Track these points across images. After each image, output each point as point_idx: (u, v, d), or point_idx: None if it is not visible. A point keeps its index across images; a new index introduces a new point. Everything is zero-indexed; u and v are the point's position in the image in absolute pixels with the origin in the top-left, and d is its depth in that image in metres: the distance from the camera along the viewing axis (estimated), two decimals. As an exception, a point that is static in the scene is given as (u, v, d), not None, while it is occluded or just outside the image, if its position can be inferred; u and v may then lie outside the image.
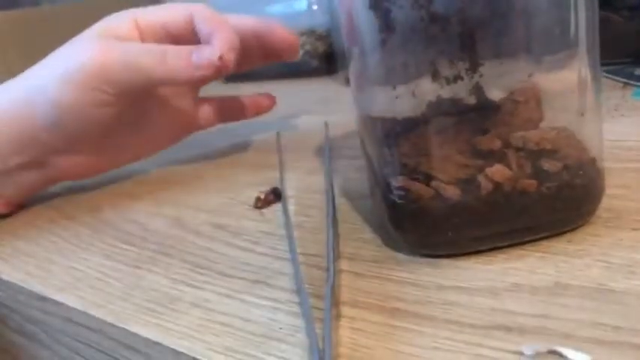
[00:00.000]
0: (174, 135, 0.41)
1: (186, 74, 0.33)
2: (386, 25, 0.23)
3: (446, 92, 0.23)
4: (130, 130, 0.38)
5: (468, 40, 0.23)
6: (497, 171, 0.21)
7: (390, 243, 0.24)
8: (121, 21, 0.36)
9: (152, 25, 0.36)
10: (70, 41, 0.36)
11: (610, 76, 0.41)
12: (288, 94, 0.62)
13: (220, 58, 0.33)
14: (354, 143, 0.31)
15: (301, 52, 0.63)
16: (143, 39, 0.36)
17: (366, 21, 0.23)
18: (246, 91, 0.69)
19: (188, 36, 0.36)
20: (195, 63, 0.33)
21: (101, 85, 0.33)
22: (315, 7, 0.62)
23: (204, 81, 0.35)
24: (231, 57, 0.34)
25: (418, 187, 0.22)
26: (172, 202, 0.35)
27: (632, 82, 0.39)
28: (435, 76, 0.23)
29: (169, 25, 0.37)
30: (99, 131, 0.35)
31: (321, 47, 0.63)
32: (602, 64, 0.43)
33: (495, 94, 0.24)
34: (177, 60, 0.33)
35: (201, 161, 0.43)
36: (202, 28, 0.36)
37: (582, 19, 0.22)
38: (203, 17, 0.36)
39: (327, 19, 0.62)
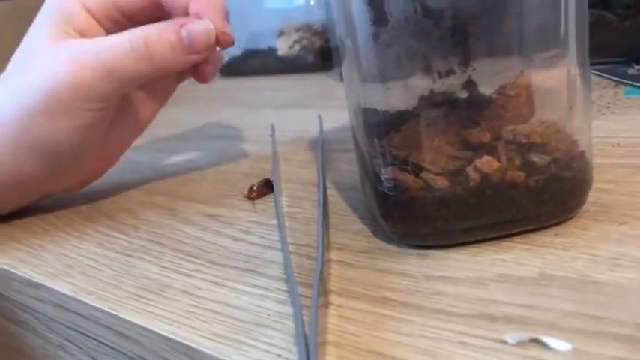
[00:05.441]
0: (161, 100, 0.36)
1: (177, 63, 0.29)
2: (379, 17, 0.23)
3: (438, 86, 0.23)
4: (117, 120, 0.33)
5: (460, 34, 0.23)
6: (486, 162, 0.22)
7: (379, 234, 0.24)
8: (71, 8, 0.30)
9: (101, 5, 0.31)
10: (25, 50, 0.31)
11: (603, 74, 0.42)
12: (283, 88, 0.63)
13: (220, 34, 0.29)
14: (348, 136, 0.31)
15: (297, 48, 0.63)
16: (98, 22, 0.31)
17: (359, 13, 0.23)
18: (243, 85, 0.69)
19: (147, 12, 0.31)
20: (187, 46, 0.29)
21: (83, 104, 0.29)
22: (312, 3, 0.63)
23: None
24: (228, 28, 0.30)
25: (407, 178, 0.22)
26: (165, 192, 0.35)
27: (624, 80, 0.39)
28: (428, 69, 0.23)
29: (121, 2, 0.31)
30: (95, 145, 0.32)
31: (317, 42, 0.63)
32: (596, 63, 0.44)
33: (487, 89, 0.24)
34: (163, 48, 0.28)
35: (194, 152, 0.43)
36: None
37: (572, 16, 0.22)
38: None
39: (324, 14, 0.63)
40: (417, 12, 0.23)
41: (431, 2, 0.22)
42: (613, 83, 0.40)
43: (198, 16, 0.30)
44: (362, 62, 0.24)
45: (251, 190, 0.31)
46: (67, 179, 0.33)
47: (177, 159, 0.42)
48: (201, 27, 0.29)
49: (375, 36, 0.23)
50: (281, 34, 0.66)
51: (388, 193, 0.23)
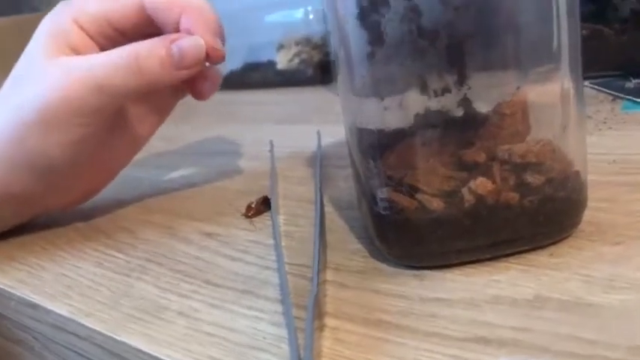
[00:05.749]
0: (159, 117, 0.36)
1: (168, 78, 0.30)
2: (375, 37, 0.23)
3: (434, 104, 0.23)
4: (113, 136, 0.33)
5: (456, 53, 0.23)
6: (480, 184, 0.22)
7: (375, 254, 0.24)
8: (65, 26, 0.31)
9: (94, 22, 0.31)
10: (21, 66, 0.31)
11: (600, 88, 0.42)
12: (283, 102, 0.63)
13: (211, 49, 0.30)
14: (346, 152, 0.31)
15: (297, 61, 0.64)
16: (91, 39, 0.32)
17: (354, 33, 0.23)
18: (242, 99, 0.69)
19: (140, 28, 0.32)
20: (177, 61, 0.29)
21: (75, 118, 0.29)
22: (311, 17, 0.63)
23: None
24: (219, 44, 0.30)
25: (402, 199, 0.22)
26: (163, 209, 0.35)
27: (621, 95, 0.39)
28: (423, 88, 0.24)
29: (113, 18, 0.31)
30: (89, 160, 0.32)
31: (316, 56, 0.64)
32: (593, 77, 0.44)
33: (483, 106, 0.24)
34: (153, 64, 0.29)
35: (193, 168, 0.43)
36: (162, 14, 0.31)
37: (564, 33, 0.23)
38: (158, 2, 0.31)
39: (323, 28, 0.63)
40: (412, 32, 0.23)
41: (426, 22, 0.23)
42: (610, 97, 0.40)
43: (190, 32, 0.30)
44: (357, 80, 0.25)
45: (249, 207, 0.32)
46: (63, 195, 0.34)
47: (175, 175, 0.42)
48: (191, 42, 0.30)
49: (371, 55, 0.23)
50: (281, 47, 0.66)
51: (383, 213, 0.23)
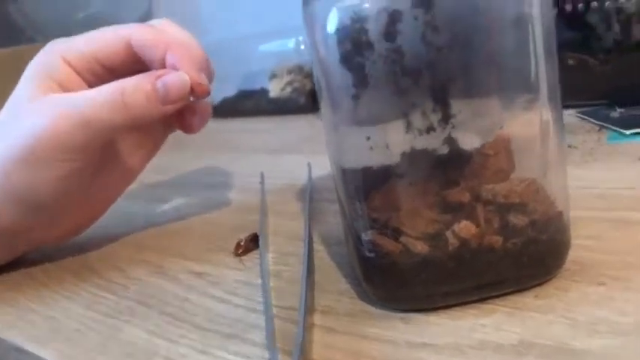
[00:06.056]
0: (150, 150, 0.37)
1: (153, 113, 0.30)
2: (359, 80, 0.24)
3: (419, 143, 0.24)
4: (103, 170, 0.34)
5: (439, 92, 0.23)
6: (464, 227, 0.22)
7: (363, 295, 0.25)
8: (53, 63, 0.31)
9: (83, 59, 0.32)
10: (11, 104, 0.31)
11: (587, 117, 0.42)
12: (275, 130, 0.64)
13: (195, 84, 0.30)
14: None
15: (289, 89, 0.64)
16: (79, 76, 0.32)
17: (338, 75, 0.24)
18: (235, 127, 0.70)
19: (128, 65, 0.32)
20: (162, 96, 0.30)
21: (62, 154, 0.29)
22: (302, 47, 0.64)
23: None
24: (203, 79, 0.31)
25: (387, 243, 0.22)
26: (155, 246, 0.35)
27: (607, 124, 0.40)
28: (408, 127, 0.24)
29: (101, 56, 0.32)
30: (78, 195, 0.32)
31: (308, 85, 0.64)
32: (580, 106, 0.44)
33: (468, 142, 0.24)
34: (139, 99, 0.29)
35: (184, 202, 0.43)
36: (148, 51, 0.31)
37: (542, 70, 0.23)
38: (144, 39, 0.31)
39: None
40: (396, 73, 0.23)
41: (409, 63, 0.23)
42: (597, 127, 0.41)
43: (175, 68, 0.31)
44: (341, 121, 0.25)
45: (238, 245, 0.32)
46: (54, 228, 0.34)
47: (167, 208, 0.42)
48: (176, 78, 0.30)
49: (355, 97, 0.24)
50: (273, 76, 0.67)
51: (368, 255, 0.23)
